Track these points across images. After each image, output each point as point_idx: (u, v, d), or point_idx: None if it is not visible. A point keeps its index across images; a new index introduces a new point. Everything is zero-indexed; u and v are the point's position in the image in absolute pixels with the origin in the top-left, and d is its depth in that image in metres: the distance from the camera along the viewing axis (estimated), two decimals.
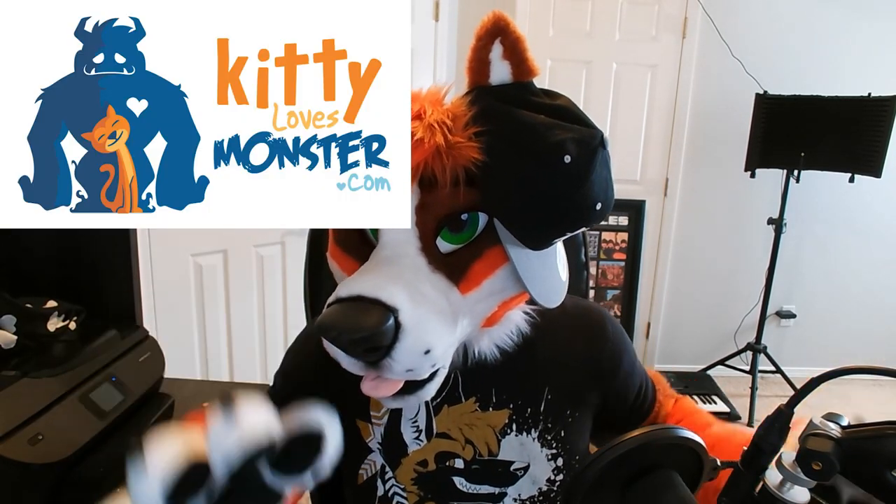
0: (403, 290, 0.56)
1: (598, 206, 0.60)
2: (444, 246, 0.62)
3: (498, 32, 0.59)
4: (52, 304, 1.03)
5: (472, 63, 0.61)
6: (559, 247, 0.69)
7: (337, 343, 0.56)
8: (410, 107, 0.58)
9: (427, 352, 0.56)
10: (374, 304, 0.54)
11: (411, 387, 0.60)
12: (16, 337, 0.94)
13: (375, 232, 0.63)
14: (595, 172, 0.59)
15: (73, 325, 1.02)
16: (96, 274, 1.15)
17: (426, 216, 0.60)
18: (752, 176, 2.80)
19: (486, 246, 0.62)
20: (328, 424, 0.51)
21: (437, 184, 0.58)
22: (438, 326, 0.57)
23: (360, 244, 0.65)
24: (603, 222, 3.00)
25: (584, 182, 0.58)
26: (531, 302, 0.72)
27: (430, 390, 0.61)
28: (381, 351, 0.55)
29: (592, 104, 2.98)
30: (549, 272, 0.66)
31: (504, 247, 0.61)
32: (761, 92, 2.72)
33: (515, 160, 0.58)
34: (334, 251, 0.69)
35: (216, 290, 1.99)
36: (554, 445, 0.72)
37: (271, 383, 0.82)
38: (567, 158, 0.56)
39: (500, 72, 0.60)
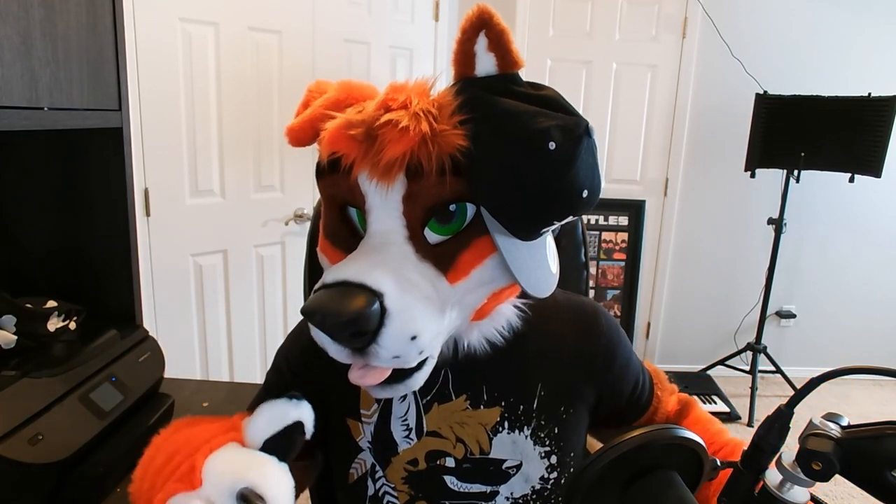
0: (389, 276, 0.56)
1: (585, 194, 0.60)
2: (431, 237, 0.62)
3: (482, 25, 0.59)
4: (52, 304, 1.03)
5: (457, 55, 0.61)
6: (549, 240, 0.69)
7: (322, 327, 0.55)
8: (394, 97, 0.59)
9: (413, 338, 0.56)
10: (358, 289, 0.54)
11: (399, 375, 0.60)
12: (16, 337, 0.94)
13: (364, 224, 0.63)
14: (580, 159, 0.58)
15: (73, 325, 1.02)
16: (96, 274, 1.14)
17: (413, 205, 0.60)
18: (752, 176, 2.80)
19: (474, 236, 0.62)
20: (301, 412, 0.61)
21: (423, 173, 0.58)
22: (425, 313, 0.57)
23: (348, 236, 0.65)
24: (603, 222, 3.00)
25: (570, 169, 0.58)
26: (522, 296, 0.72)
27: (419, 379, 0.61)
28: (367, 336, 0.55)
29: (592, 104, 2.99)
30: (537, 262, 0.66)
31: (492, 236, 0.61)
32: (761, 92, 2.72)
33: (500, 147, 0.58)
34: (324, 245, 0.69)
35: (216, 290, 2.00)
36: (547, 443, 0.72)
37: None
38: (552, 145, 0.56)
39: (486, 64, 0.60)
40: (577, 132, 0.58)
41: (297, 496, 0.82)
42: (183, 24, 1.75)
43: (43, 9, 0.86)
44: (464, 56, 0.60)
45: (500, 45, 0.59)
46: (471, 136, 0.57)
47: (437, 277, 0.60)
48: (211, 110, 1.87)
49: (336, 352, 0.58)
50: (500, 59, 0.60)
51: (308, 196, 2.17)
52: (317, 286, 0.57)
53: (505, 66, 0.60)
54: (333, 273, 0.57)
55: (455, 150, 0.57)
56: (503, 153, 0.58)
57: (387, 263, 0.57)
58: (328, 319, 0.54)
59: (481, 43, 0.59)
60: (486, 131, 0.58)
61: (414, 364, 0.59)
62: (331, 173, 0.63)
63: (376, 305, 0.54)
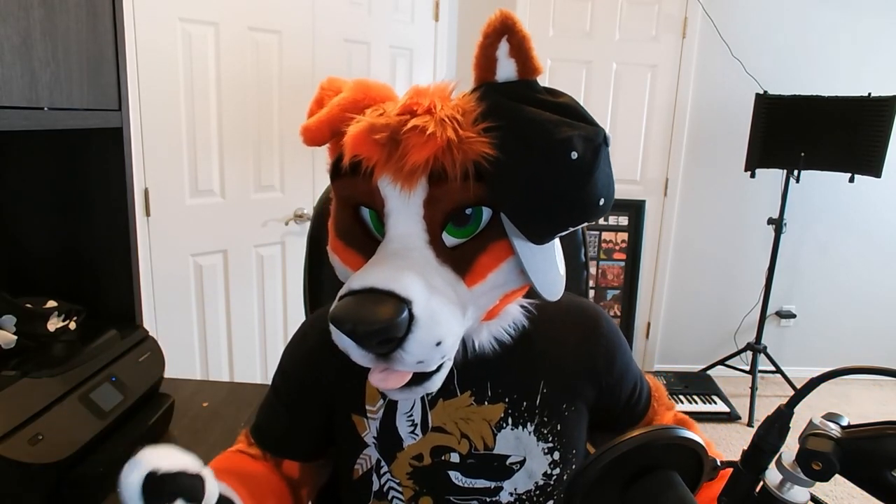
0: (416, 282, 0.56)
1: (602, 202, 0.62)
2: (448, 240, 0.62)
3: (505, 31, 0.59)
4: (52, 304, 1.03)
5: (478, 60, 0.61)
6: (557, 242, 0.70)
7: (351, 335, 0.56)
8: (418, 101, 0.59)
9: (438, 343, 0.57)
10: (387, 296, 0.54)
11: (419, 378, 0.60)
12: (16, 337, 0.94)
13: (379, 226, 0.64)
14: (599, 169, 0.60)
15: (73, 325, 1.02)
16: (96, 274, 1.15)
17: (434, 210, 0.61)
18: (752, 176, 2.80)
19: (491, 240, 0.62)
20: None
21: (446, 178, 0.58)
22: (449, 318, 0.58)
23: (363, 237, 0.65)
24: (603, 222, 3.00)
25: (590, 178, 0.59)
26: (529, 295, 0.73)
27: (437, 381, 0.62)
28: (394, 343, 0.55)
29: (592, 104, 2.99)
30: (550, 265, 0.67)
31: (510, 240, 0.62)
32: (761, 92, 2.72)
33: (524, 156, 0.58)
34: (336, 245, 0.69)
35: (216, 290, 2.00)
36: (550, 439, 0.73)
37: (270, 383, 0.83)
38: (574, 155, 0.57)
39: (506, 69, 0.61)
40: (596, 142, 0.59)
41: (311, 495, 0.82)
42: (183, 24, 1.75)
43: (43, 9, 0.86)
44: (485, 61, 0.61)
45: (521, 51, 0.60)
46: (495, 144, 0.58)
47: (456, 281, 0.61)
48: (211, 110, 1.87)
49: (359, 356, 0.58)
50: (520, 65, 0.60)
51: (308, 196, 2.17)
52: (342, 292, 0.57)
53: (525, 73, 0.61)
54: (359, 279, 0.57)
55: (479, 156, 0.58)
56: (527, 162, 0.58)
57: (411, 269, 0.58)
58: (359, 328, 0.54)
59: (503, 48, 0.60)
60: (510, 139, 0.58)
61: (435, 367, 0.60)
62: (350, 175, 0.63)
63: (405, 313, 0.54)
